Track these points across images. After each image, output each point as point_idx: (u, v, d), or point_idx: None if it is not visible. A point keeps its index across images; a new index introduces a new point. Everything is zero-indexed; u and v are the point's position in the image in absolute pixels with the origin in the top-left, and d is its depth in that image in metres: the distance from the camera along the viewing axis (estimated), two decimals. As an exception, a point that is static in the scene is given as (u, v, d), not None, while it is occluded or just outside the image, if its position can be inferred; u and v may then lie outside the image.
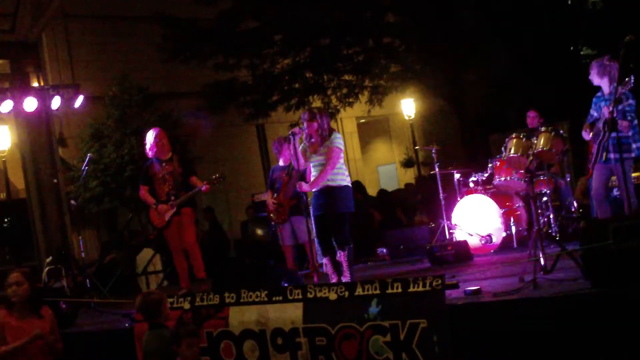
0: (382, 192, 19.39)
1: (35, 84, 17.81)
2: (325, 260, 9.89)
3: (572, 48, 21.60)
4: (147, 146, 11.54)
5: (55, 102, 14.64)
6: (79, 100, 14.94)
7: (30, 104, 14.42)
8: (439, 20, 19.84)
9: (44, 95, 14.68)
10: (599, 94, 9.53)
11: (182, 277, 11.52)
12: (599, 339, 6.29)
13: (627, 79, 8.76)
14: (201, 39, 21.37)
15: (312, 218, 9.98)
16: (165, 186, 11.33)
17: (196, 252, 11.42)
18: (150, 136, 11.51)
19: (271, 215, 12.26)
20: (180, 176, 11.38)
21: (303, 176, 10.34)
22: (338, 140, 9.72)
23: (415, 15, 20.75)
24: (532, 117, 12.91)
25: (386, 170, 30.90)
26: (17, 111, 15.18)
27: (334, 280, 9.60)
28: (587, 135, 9.55)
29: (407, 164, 28.52)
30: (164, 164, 11.40)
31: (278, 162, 12.48)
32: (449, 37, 20.08)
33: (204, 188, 11.24)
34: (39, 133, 17.65)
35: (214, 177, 11.36)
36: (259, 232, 11.71)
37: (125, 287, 14.83)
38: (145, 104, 21.01)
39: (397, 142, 30.70)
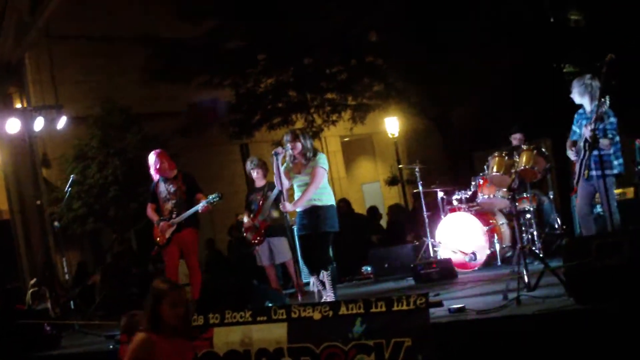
0: (372, 210, 19.38)
1: (18, 105, 17.76)
2: (312, 279, 9.89)
3: (555, 65, 21.65)
4: (151, 170, 11.53)
5: (38, 124, 14.65)
6: (61, 122, 14.95)
7: (13, 125, 14.42)
8: (421, 39, 19.88)
9: (26, 117, 14.70)
10: (580, 110, 9.58)
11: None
12: (583, 355, 6.30)
13: (602, 99, 8.81)
14: (185, 59, 21.38)
15: (297, 238, 10.01)
16: (168, 204, 11.33)
17: (197, 275, 11.36)
18: (150, 160, 11.50)
19: (247, 235, 12.28)
20: (185, 194, 11.35)
21: (278, 197, 10.36)
22: (322, 160, 9.77)
23: (397, 34, 20.79)
24: (517, 139, 12.85)
25: (371, 188, 30.90)
26: (0, 133, 15.16)
27: (322, 299, 9.61)
28: (572, 155, 9.59)
29: (391, 182, 28.50)
30: (168, 183, 11.41)
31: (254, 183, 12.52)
32: (431, 55, 20.13)
33: (201, 209, 11.18)
34: (22, 154, 17.60)
35: (212, 199, 11.29)
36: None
37: (109, 308, 14.76)
38: (129, 125, 20.98)
39: (381, 161, 30.71)
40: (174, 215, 11.21)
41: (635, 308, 6.19)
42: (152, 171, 11.47)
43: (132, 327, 7.53)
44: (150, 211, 11.54)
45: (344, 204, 17.88)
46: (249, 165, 12.52)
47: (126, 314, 7.90)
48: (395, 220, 18.20)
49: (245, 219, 12.27)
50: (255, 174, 12.28)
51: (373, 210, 18.77)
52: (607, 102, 8.98)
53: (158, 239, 11.42)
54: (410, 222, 16.99)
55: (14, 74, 18.08)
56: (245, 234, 12.36)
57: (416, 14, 19.56)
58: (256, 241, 12.07)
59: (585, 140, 8.86)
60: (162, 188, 11.40)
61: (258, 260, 12.33)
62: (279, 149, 9.94)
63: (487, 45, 19.38)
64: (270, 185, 11.80)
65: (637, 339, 6.08)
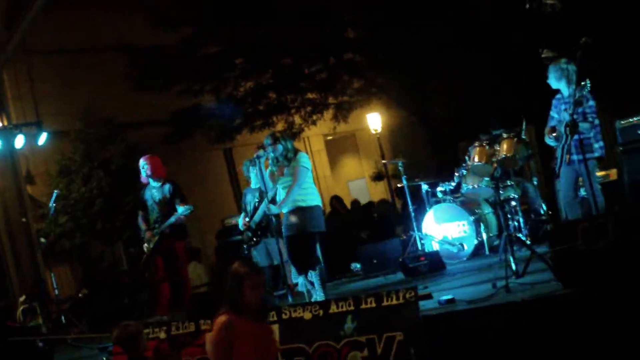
0: (355, 203, 19.39)
1: (-1, 123, 17.71)
2: (301, 279, 9.91)
3: (533, 51, 21.68)
4: (142, 174, 11.54)
5: (19, 141, 14.60)
6: (42, 138, 14.90)
7: (-5, 143, 14.36)
8: (398, 33, 19.89)
9: (7, 135, 14.63)
10: (558, 95, 9.61)
11: (161, 304, 11.41)
12: (573, 339, 6.33)
13: (582, 82, 8.84)
14: (164, 66, 21.34)
15: (284, 238, 10.02)
16: (153, 213, 11.38)
17: (187, 285, 11.46)
18: (142, 163, 11.58)
19: (243, 238, 12.28)
20: (167, 204, 11.36)
21: (273, 199, 10.35)
22: (303, 159, 9.79)
23: (374, 29, 20.80)
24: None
25: (356, 185, 30.87)
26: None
27: (311, 298, 9.63)
28: (551, 141, 9.61)
29: (377, 177, 28.51)
30: (153, 191, 11.42)
31: (250, 184, 12.49)
32: (409, 48, 20.14)
33: (174, 220, 11.18)
34: (5, 172, 17.53)
35: (185, 210, 11.27)
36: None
37: (101, 321, 14.72)
38: (111, 136, 20.92)
39: (365, 157, 30.70)
40: (157, 225, 11.20)
41: (621, 290, 6.21)
42: (144, 175, 11.45)
43: (125, 338, 7.52)
44: (140, 220, 11.57)
45: (336, 202, 17.90)
46: (244, 168, 12.51)
47: (119, 325, 7.85)
48: (383, 216, 18.20)
49: (241, 221, 12.24)
50: (249, 174, 12.24)
51: (356, 205, 18.79)
52: (588, 85, 9.01)
53: (146, 248, 11.44)
54: (397, 216, 17.02)
55: (-7, 91, 18.03)
56: (242, 236, 12.35)
57: (390, 10, 19.57)
58: (253, 242, 12.07)
59: (566, 125, 8.88)
60: (148, 196, 11.41)
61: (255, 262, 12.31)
62: (261, 152, 9.97)
63: (464, 36, 19.41)
64: None
65: (623, 321, 6.11)
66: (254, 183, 12.15)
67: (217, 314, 6.34)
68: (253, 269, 6.43)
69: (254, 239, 12.00)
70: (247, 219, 12.05)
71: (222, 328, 6.11)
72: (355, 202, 19.59)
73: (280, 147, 9.79)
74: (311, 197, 9.80)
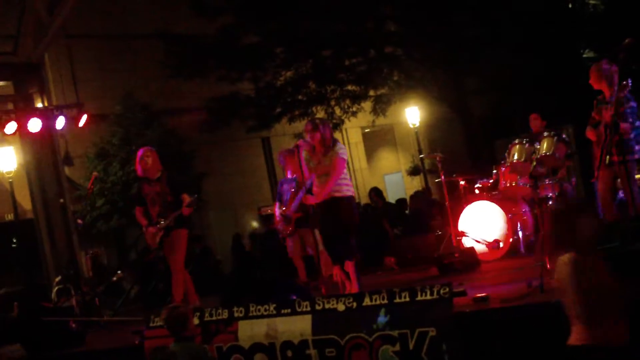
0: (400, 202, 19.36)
1: (39, 105, 17.81)
2: (335, 270, 9.91)
3: (574, 52, 21.56)
4: (137, 165, 11.47)
5: (60, 122, 14.67)
6: (83, 120, 14.96)
7: (35, 124, 14.45)
8: (439, 27, 19.85)
9: (48, 116, 14.72)
10: (600, 97, 9.54)
11: (190, 293, 11.39)
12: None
13: (624, 82, 8.77)
14: (203, 54, 21.42)
15: (320, 229, 10.02)
16: (155, 207, 11.22)
17: (179, 275, 11.19)
18: (138, 155, 11.41)
19: (279, 227, 12.28)
20: (169, 196, 11.19)
21: (309, 188, 10.34)
22: (341, 150, 9.75)
23: (415, 23, 20.76)
24: (534, 119, 12.87)
25: (393, 179, 30.85)
26: (22, 132, 15.22)
27: (346, 289, 9.63)
28: (592, 135, 9.56)
29: (413, 172, 28.47)
30: (152, 184, 11.28)
31: (285, 174, 12.48)
32: (450, 43, 20.09)
33: (185, 212, 11.12)
34: (44, 153, 17.68)
35: (189, 200, 11.18)
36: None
37: (133, 305, 14.82)
38: (149, 121, 21.05)
39: (402, 151, 30.68)
40: (160, 220, 11.16)
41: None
42: (143, 167, 11.36)
43: (174, 319, 7.49)
44: (139, 215, 11.42)
45: (375, 194, 17.86)
46: (280, 157, 12.49)
47: (168, 307, 7.79)
48: (418, 209, 18.12)
49: (277, 210, 12.25)
50: (289, 162, 12.21)
51: (401, 202, 18.75)
52: (630, 85, 8.92)
53: (150, 243, 11.39)
54: (434, 208, 16.93)
55: (35, 74, 18.12)
56: (277, 226, 12.34)
57: (431, 6, 19.53)
58: (288, 232, 12.06)
59: (606, 125, 8.82)
60: (148, 190, 11.32)
61: (290, 252, 12.32)
62: (301, 141, 9.96)
63: (506, 34, 19.34)
64: None
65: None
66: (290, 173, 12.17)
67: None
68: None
69: (290, 229, 12.00)
70: (283, 208, 12.06)
71: (568, 265, 5.79)
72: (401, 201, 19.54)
73: (318, 135, 9.76)
74: (346, 187, 9.78)
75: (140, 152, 11.40)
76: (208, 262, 18.90)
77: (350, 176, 10.13)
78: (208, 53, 21.44)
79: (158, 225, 11.13)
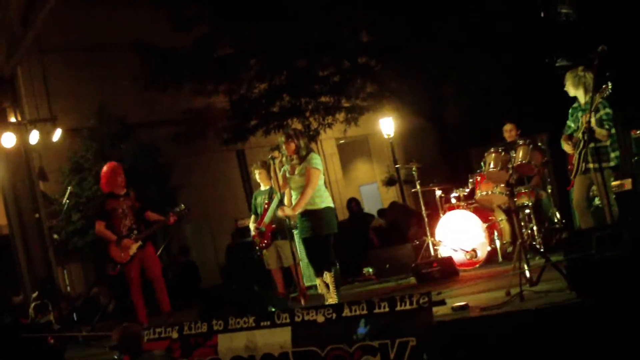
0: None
1: (12, 119, 17.73)
2: (319, 281, 9.92)
3: (547, 60, 21.64)
4: (103, 181, 11.50)
5: (34, 137, 14.63)
6: (57, 134, 14.93)
7: (9, 139, 14.41)
8: (414, 36, 19.88)
9: (21, 131, 14.67)
10: (575, 104, 9.59)
11: (142, 313, 11.46)
12: (587, 348, 6.31)
13: (604, 85, 8.82)
14: (178, 66, 21.37)
15: (302, 241, 10.03)
16: (127, 220, 11.30)
17: (163, 285, 11.46)
18: (104, 172, 11.52)
19: (255, 240, 12.30)
20: (139, 211, 11.46)
21: (282, 199, 10.35)
22: (315, 160, 9.76)
23: (389, 32, 20.79)
24: (509, 131, 12.92)
25: (368, 189, 30.87)
26: (-5, 147, 15.15)
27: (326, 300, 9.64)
28: (568, 148, 9.61)
29: (389, 182, 28.51)
30: (121, 199, 11.37)
31: (259, 187, 12.51)
32: (424, 52, 20.13)
33: (171, 220, 11.24)
34: (18, 168, 17.58)
35: (178, 209, 11.36)
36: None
37: (112, 319, 14.74)
38: (124, 135, 20.98)
39: (377, 161, 30.70)
40: (135, 232, 11.20)
41: (635, 299, 6.20)
42: (103, 183, 11.43)
43: (126, 340, 7.50)
44: (102, 229, 11.41)
45: (354, 204, 17.89)
46: (254, 169, 12.52)
47: (119, 327, 7.80)
48: (395, 219, 18.15)
49: (252, 224, 12.28)
50: (259, 177, 12.29)
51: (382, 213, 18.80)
52: (609, 90, 8.95)
53: (117, 257, 11.39)
54: (411, 218, 16.97)
55: (7, 88, 18.04)
56: (253, 238, 12.38)
57: (406, 14, 19.56)
58: (264, 245, 12.09)
59: (583, 131, 8.87)
60: (116, 205, 11.34)
61: (266, 264, 12.34)
62: (276, 153, 9.97)
63: (479, 43, 19.39)
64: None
65: (637, 331, 6.09)
66: (264, 185, 12.22)
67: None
68: None
69: (265, 242, 12.03)
70: (257, 222, 12.12)
71: None
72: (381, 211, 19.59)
73: (293, 145, 9.79)
74: (321, 199, 9.79)
75: (106, 170, 11.48)
76: (191, 275, 18.89)
77: (326, 187, 10.12)
78: (182, 65, 21.39)
79: (134, 237, 11.16)
